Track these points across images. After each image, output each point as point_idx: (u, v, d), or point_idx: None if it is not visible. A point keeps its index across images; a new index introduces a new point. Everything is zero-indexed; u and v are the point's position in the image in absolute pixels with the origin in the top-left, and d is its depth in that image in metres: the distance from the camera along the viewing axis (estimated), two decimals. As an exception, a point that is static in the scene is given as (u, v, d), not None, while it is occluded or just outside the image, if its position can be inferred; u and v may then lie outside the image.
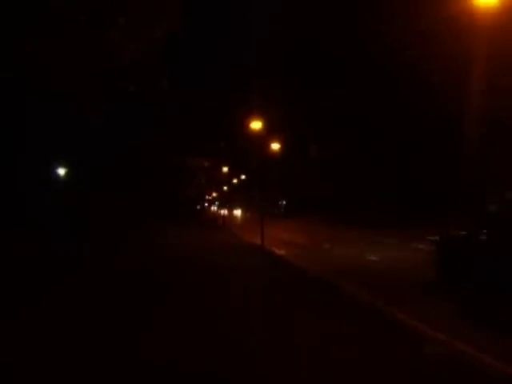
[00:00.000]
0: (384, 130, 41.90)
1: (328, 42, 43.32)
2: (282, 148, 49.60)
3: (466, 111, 21.71)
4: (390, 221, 36.61)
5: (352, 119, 46.00)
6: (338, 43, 42.10)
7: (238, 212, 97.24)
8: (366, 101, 41.51)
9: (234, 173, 74.44)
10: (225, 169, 66.21)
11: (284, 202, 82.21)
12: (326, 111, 50.22)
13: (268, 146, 42.69)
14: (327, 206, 56.32)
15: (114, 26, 9.31)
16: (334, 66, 45.78)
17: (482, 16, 15.28)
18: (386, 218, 38.43)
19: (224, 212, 68.16)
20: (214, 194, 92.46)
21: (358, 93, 41.71)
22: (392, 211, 40.44)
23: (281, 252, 20.54)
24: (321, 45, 45.50)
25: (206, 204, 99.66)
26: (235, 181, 79.15)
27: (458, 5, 17.77)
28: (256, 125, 25.86)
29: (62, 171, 28.42)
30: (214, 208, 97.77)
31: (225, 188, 76.53)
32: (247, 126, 27.27)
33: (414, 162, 39.54)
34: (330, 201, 56.12)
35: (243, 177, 79.25)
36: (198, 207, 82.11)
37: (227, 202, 79.03)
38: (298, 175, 62.01)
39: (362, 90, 40.82)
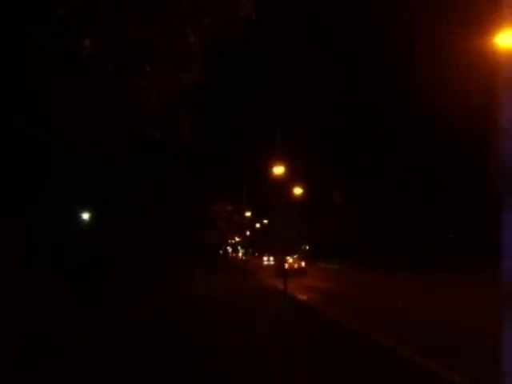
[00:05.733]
0: (409, 173, 41.72)
1: (350, 88, 43.84)
2: (305, 193, 49.63)
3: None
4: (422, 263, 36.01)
5: (377, 163, 46.00)
6: (359, 88, 42.56)
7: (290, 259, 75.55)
8: (392, 145, 41.61)
9: (256, 217, 74.40)
10: (247, 213, 66.20)
11: (307, 247, 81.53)
12: (349, 157, 50.38)
13: (291, 190, 42.74)
14: (351, 251, 55.82)
15: (140, 73, 9.51)
16: (356, 111, 46.15)
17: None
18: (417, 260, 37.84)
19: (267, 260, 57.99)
20: (237, 239, 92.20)
21: (384, 137, 41.88)
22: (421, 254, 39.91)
23: (303, 297, 20.30)
24: (342, 92, 46.10)
25: (230, 249, 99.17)
26: (258, 225, 79.01)
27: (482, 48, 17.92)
28: (279, 170, 25.96)
29: (86, 216, 28.68)
30: (240, 254, 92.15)
31: (247, 232, 76.38)
32: (270, 171, 27.40)
33: (438, 202, 39.14)
34: (353, 245, 55.67)
35: (266, 221, 79.16)
36: (221, 252, 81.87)
37: (251, 246, 78.82)
38: (322, 220, 61.70)
39: (388, 133, 40.99)
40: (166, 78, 9.76)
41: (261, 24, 9.40)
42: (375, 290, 24.58)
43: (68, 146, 10.60)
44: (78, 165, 15.61)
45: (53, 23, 8.59)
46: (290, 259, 39.23)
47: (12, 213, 12.95)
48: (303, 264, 40.48)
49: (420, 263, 36.66)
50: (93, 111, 9.25)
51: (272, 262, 68.79)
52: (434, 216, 39.98)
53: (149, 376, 7.65)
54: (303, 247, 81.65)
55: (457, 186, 36.18)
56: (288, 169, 27.23)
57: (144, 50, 9.25)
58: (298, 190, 46.25)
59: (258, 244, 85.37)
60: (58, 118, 9.27)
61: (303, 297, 20.59)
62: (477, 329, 11.40)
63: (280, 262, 38.60)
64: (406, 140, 39.13)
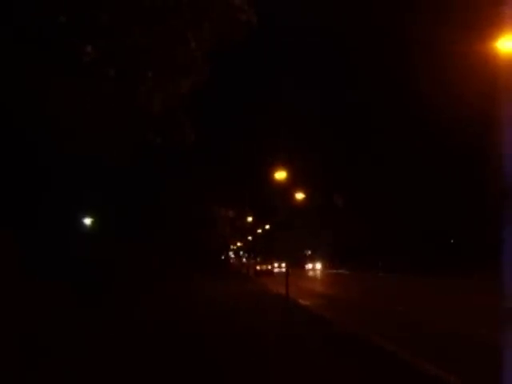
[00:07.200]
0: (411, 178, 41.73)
1: (351, 94, 43.92)
2: (307, 198, 49.50)
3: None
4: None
5: (378, 167, 46.01)
6: (359, 93, 42.64)
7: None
8: (393, 148, 41.65)
9: (258, 222, 74.18)
10: (249, 218, 66.02)
11: (309, 252, 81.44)
12: (349, 159, 50.42)
13: (293, 196, 42.66)
14: (353, 254, 55.84)
15: (141, 79, 9.54)
16: (356, 112, 46.23)
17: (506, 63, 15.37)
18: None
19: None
20: (239, 244, 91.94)
21: (385, 140, 41.94)
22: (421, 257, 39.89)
23: (306, 303, 20.23)
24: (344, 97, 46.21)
25: (232, 255, 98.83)
26: (259, 231, 78.81)
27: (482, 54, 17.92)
28: (280, 175, 25.87)
29: (88, 221, 28.63)
30: (244, 260, 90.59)
31: (249, 238, 76.20)
32: (272, 176, 27.29)
33: (439, 204, 39.14)
34: (356, 249, 55.69)
35: (267, 226, 78.96)
36: (223, 257, 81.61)
37: (252, 251, 78.57)
38: (325, 224, 61.71)
39: (388, 136, 41.04)
40: (167, 83, 9.77)
41: (261, 28, 9.40)
42: (376, 293, 24.64)
43: (69, 149, 10.62)
44: (79, 169, 15.64)
45: (55, 29, 8.62)
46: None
47: (14, 217, 12.96)
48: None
49: (421, 266, 36.63)
50: (94, 116, 9.28)
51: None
52: (435, 218, 39.94)
53: (148, 377, 7.66)
54: (305, 252, 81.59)
55: (458, 187, 36.17)
56: (290, 174, 27.13)
57: (145, 56, 9.28)
58: (299, 196, 46.10)
59: (258, 249, 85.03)
60: (59, 122, 9.29)
61: (306, 302, 20.52)
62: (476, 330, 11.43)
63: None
64: (407, 143, 39.17)
